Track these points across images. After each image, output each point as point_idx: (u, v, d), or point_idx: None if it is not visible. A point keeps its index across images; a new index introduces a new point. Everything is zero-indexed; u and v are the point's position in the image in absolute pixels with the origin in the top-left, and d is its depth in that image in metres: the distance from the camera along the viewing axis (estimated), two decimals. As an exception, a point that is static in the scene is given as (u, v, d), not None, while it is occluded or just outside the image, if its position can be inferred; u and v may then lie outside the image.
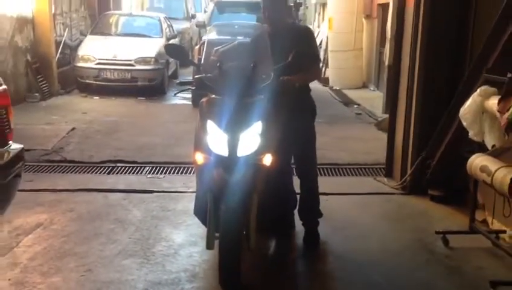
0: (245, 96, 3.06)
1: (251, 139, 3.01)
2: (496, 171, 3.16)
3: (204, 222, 3.30)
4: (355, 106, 9.56)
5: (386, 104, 8.68)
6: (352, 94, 10.51)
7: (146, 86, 9.80)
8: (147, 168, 5.52)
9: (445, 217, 4.20)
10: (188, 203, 4.48)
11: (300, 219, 3.84)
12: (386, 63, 8.88)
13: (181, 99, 9.82)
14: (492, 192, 3.52)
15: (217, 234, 3.01)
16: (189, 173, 5.37)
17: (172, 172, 5.43)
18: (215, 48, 3.99)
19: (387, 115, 8.11)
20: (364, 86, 11.44)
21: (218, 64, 3.17)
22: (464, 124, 3.46)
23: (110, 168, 5.50)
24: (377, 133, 7.53)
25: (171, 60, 10.75)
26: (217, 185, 2.96)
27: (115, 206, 4.41)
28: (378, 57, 10.80)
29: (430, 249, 3.64)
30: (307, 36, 3.62)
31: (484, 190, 3.67)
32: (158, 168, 5.50)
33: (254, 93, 3.12)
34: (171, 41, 10.95)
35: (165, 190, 4.86)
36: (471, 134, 3.46)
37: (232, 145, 2.96)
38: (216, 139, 3.01)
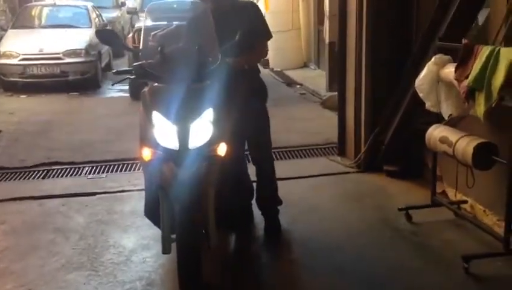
0: (192, 82, 2.78)
1: (202, 128, 2.74)
2: (456, 141, 3.07)
3: (157, 224, 3.02)
4: (298, 86, 9.45)
5: (330, 82, 8.63)
6: (294, 74, 10.38)
7: (78, 80, 9.19)
8: (87, 168, 5.10)
9: (403, 192, 4.11)
10: (136, 203, 4.16)
11: (259, 209, 3.63)
12: (327, 40, 8.80)
13: (117, 91, 9.33)
14: (451, 163, 3.45)
15: (173, 236, 2.74)
16: (134, 169, 5.02)
17: (115, 170, 5.05)
18: (153, 33, 3.68)
19: (331, 93, 8.13)
20: (305, 65, 11.34)
21: (159, 49, 2.86)
22: (420, 95, 3.35)
23: (45, 171, 5.03)
24: (324, 111, 7.45)
25: (103, 50, 10.18)
26: (168, 182, 2.68)
27: (53, 214, 4.00)
28: (317, 35, 10.72)
29: (394, 226, 3.52)
30: (253, 12, 3.36)
31: (442, 161, 3.59)
32: (99, 168, 5.10)
33: (202, 78, 2.84)
34: (102, 30, 10.36)
35: (109, 190, 4.49)
36: (428, 105, 3.35)
37: (182, 137, 2.67)
38: (164, 131, 2.71)
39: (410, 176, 4.34)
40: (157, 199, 2.82)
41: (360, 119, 4.69)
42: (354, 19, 4.61)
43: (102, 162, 5.24)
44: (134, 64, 2.97)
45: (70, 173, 5.00)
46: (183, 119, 2.68)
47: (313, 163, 5.08)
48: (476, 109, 2.88)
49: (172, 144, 2.69)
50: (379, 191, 4.19)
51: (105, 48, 10.50)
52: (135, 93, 8.24)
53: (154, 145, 2.75)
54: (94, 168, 5.10)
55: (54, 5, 11.27)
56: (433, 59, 3.25)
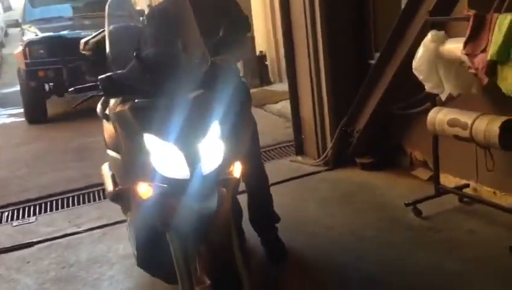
0: (186, 92, 2.18)
1: (213, 147, 2.16)
2: (473, 122, 2.82)
3: (158, 274, 2.40)
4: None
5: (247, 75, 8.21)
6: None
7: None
8: (6, 213, 4.18)
9: (390, 185, 3.82)
10: (91, 247, 3.43)
11: (257, 231, 3.11)
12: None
13: (7, 116, 8.10)
14: (452, 147, 3.23)
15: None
16: (69, 205, 4.22)
17: (44, 211, 4.18)
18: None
19: (252, 90, 7.75)
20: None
21: (134, 54, 2.21)
22: (420, 77, 3.05)
23: (-47, 226, 4.02)
24: (253, 109, 7.03)
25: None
26: (183, 221, 2.06)
27: (-11, 281, 3.12)
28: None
29: (406, 224, 3.20)
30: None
31: (442, 145, 3.33)
32: (22, 210, 4.20)
33: (196, 86, 2.25)
34: None
35: (48, 237, 3.65)
36: (428, 87, 3.08)
37: (193, 161, 2.07)
38: (164, 157, 2.09)
39: (387, 166, 4.09)
40: (157, 243, 2.20)
41: (323, 112, 4.33)
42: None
43: (23, 203, 4.34)
44: (100, 76, 2.27)
45: (-13, 222, 4.05)
46: (189, 138, 2.08)
47: (274, 167, 4.60)
48: (499, 84, 2.63)
49: (180, 171, 2.08)
50: (364, 188, 3.86)
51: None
52: (33, 115, 7.16)
53: (153, 176, 2.10)
54: (16, 211, 4.20)
55: None
56: (429, 36, 2.97)
